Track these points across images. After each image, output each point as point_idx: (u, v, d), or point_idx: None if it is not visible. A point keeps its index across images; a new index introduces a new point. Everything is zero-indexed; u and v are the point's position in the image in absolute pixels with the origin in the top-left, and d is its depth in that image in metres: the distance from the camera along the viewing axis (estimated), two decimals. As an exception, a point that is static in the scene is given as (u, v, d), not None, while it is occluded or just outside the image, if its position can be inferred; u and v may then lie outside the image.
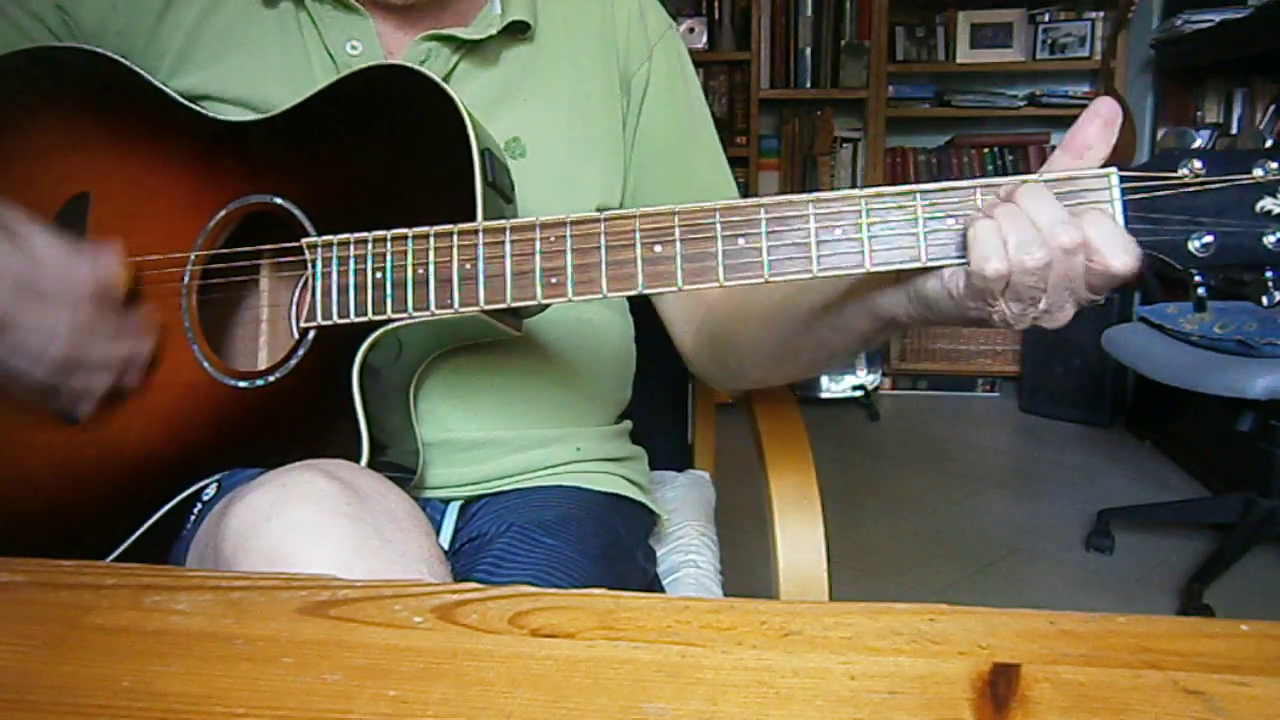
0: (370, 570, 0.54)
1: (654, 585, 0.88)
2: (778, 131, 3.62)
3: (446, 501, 0.82)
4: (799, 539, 0.82)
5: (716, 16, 3.53)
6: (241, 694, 0.38)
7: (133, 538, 0.72)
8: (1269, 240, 0.55)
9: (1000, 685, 0.38)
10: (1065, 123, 3.41)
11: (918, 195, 0.57)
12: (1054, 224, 0.53)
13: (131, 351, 0.73)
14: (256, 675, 0.40)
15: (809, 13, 3.46)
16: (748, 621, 0.43)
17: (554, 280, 0.63)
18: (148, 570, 0.49)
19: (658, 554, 0.94)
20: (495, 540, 0.77)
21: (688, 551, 0.96)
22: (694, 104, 0.91)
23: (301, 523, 0.55)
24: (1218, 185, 0.56)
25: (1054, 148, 0.61)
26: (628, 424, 0.94)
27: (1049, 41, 3.36)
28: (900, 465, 2.77)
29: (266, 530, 0.55)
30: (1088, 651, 0.40)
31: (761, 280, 0.59)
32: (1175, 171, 0.56)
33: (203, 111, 0.77)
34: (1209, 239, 0.56)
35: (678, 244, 0.60)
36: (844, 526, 2.28)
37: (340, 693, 0.38)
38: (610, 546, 0.80)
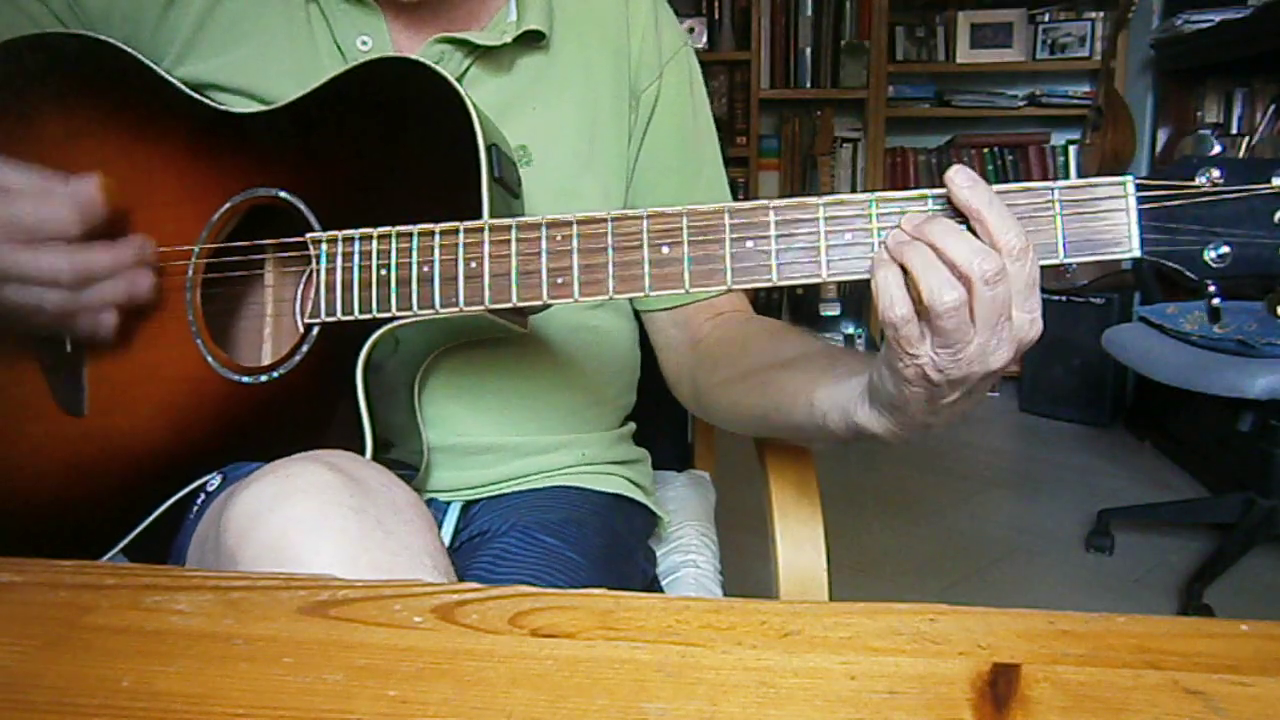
0: (373, 562, 0.54)
1: (653, 586, 0.88)
2: (778, 131, 3.63)
3: (449, 501, 0.82)
4: (799, 539, 0.82)
5: (716, 16, 3.53)
6: (241, 694, 0.38)
7: (135, 532, 0.72)
8: None
9: (1000, 685, 0.38)
10: (1065, 123, 3.42)
11: (929, 199, 0.57)
12: (971, 256, 0.52)
13: (134, 273, 0.70)
14: (256, 675, 0.40)
15: (809, 13, 3.46)
16: (748, 621, 0.43)
17: (560, 280, 0.62)
18: (148, 570, 0.49)
19: (658, 554, 0.94)
20: (496, 538, 0.77)
21: (688, 551, 0.96)
22: (701, 126, 0.90)
23: (304, 515, 0.55)
24: (1235, 195, 0.54)
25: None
26: (632, 426, 0.94)
27: (1049, 41, 3.36)
28: (900, 465, 2.76)
29: (268, 522, 0.54)
30: (1088, 651, 0.40)
31: (770, 283, 0.59)
32: (1193, 180, 0.55)
33: (207, 102, 0.76)
34: (1225, 249, 0.55)
35: (685, 245, 0.60)
36: (844, 526, 2.27)
37: (340, 693, 0.38)
38: (611, 547, 0.80)
